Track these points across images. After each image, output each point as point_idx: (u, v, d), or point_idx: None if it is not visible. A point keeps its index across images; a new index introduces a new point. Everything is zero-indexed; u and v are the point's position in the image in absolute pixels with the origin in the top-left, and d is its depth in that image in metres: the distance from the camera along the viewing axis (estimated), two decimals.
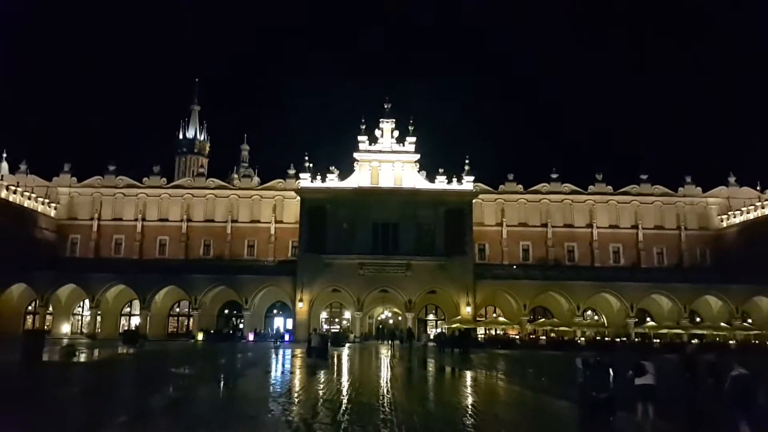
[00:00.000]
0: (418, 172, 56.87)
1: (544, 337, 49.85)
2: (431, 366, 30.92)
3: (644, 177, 64.77)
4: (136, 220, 63.76)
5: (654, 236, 63.52)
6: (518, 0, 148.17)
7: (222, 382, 21.94)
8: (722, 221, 63.83)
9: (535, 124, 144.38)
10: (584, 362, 14.25)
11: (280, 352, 38.64)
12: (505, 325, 52.23)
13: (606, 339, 48.62)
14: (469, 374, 26.25)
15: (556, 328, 50.76)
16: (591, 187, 64.82)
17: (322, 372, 24.67)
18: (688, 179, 65.20)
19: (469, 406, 15.99)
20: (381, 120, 56.43)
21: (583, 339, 48.54)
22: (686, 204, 64.52)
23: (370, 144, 56.28)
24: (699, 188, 65.15)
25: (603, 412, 12.94)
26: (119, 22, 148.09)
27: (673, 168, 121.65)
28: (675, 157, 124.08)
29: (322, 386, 19.86)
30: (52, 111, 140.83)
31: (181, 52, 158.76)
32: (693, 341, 46.32)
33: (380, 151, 56.11)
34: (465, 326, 47.88)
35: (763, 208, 58.68)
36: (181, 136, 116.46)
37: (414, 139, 56.17)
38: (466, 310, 52.70)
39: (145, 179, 65.46)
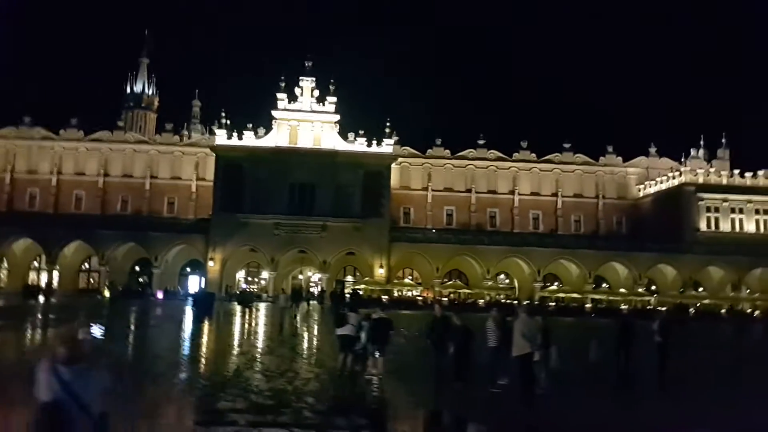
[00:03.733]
0: (339, 133, 56.30)
1: (445, 299, 50.77)
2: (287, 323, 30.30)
3: (567, 146, 65.79)
4: (51, 173, 61.65)
5: (573, 204, 64.99)
6: None
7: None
8: (639, 191, 65.67)
9: (465, 91, 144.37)
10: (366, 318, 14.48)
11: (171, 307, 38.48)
12: (412, 287, 52.99)
13: (507, 301, 49.85)
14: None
15: (460, 291, 51.80)
16: (516, 154, 65.56)
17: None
18: (610, 149, 66.56)
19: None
20: (301, 78, 55.29)
21: (482, 301, 49.64)
22: (606, 173, 66.04)
23: (289, 102, 55.24)
24: (620, 158, 66.65)
25: (356, 364, 13.31)
26: None
27: (597, 138, 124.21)
28: (599, 127, 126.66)
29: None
30: None
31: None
32: (587, 305, 48.21)
33: (299, 111, 55.20)
34: (367, 286, 48.59)
35: (674, 179, 60.44)
36: (128, 90, 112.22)
37: (334, 99, 55.37)
38: (379, 272, 53.23)
39: (61, 131, 63.05)
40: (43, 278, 54.97)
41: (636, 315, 47.70)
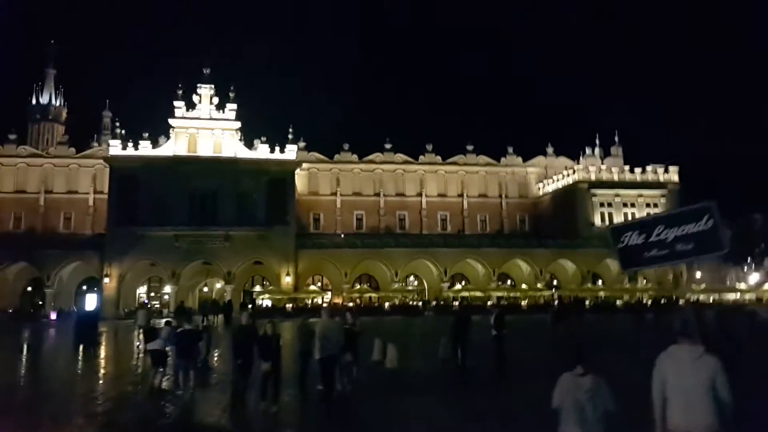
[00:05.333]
0: (242, 140, 55.58)
1: (351, 304, 51.14)
2: None
3: (470, 148, 67.83)
4: None
5: (478, 204, 67.05)
6: None
7: None
8: (539, 189, 68.57)
9: (371, 95, 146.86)
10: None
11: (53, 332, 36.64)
12: (318, 294, 53.00)
13: (411, 303, 50.92)
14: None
15: (366, 294, 52.46)
16: (422, 157, 66.94)
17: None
18: (510, 150, 69.19)
19: None
20: (199, 85, 54.23)
21: (387, 304, 50.41)
22: (508, 173, 68.58)
23: (187, 110, 54.04)
24: (520, 158, 69.37)
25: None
26: None
27: (499, 139, 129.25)
28: (500, 128, 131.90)
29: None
30: None
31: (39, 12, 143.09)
32: (490, 302, 49.75)
33: (198, 118, 54.11)
34: (272, 296, 48.23)
35: (568, 176, 63.51)
36: (34, 101, 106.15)
37: (235, 106, 54.68)
38: (286, 280, 52.91)
39: None
40: None
41: (536, 310, 50.76)
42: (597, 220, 62.40)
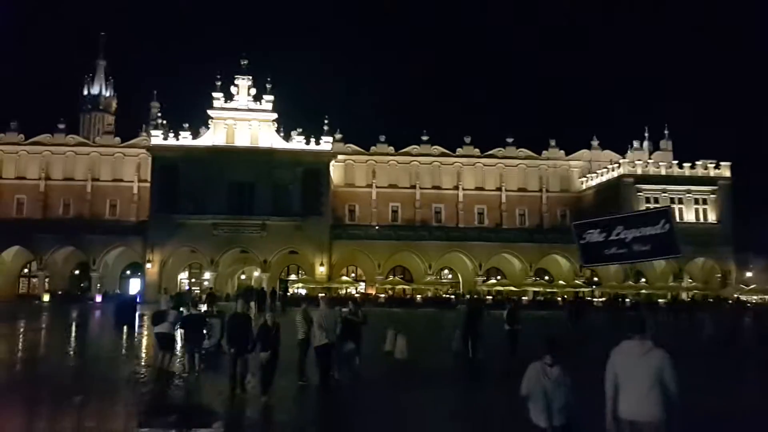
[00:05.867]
0: (278, 131, 56.18)
1: (383, 295, 51.16)
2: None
3: (510, 140, 66.34)
4: None
5: (517, 198, 65.64)
6: None
7: None
8: (582, 184, 66.57)
9: (409, 87, 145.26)
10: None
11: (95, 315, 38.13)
12: (350, 284, 53.22)
13: (444, 296, 50.47)
14: None
15: (399, 286, 52.35)
16: (459, 149, 65.94)
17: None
18: (553, 143, 67.29)
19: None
20: (236, 77, 55.06)
21: (419, 296, 50.15)
22: (549, 167, 66.75)
23: (225, 101, 54.99)
24: (562, 152, 67.39)
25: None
26: None
27: (540, 132, 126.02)
28: (542, 121, 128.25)
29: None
30: None
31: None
32: (513, 297, 48.86)
33: (236, 109, 54.96)
34: (306, 285, 48.79)
35: (612, 171, 61.38)
36: (85, 92, 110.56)
37: (271, 97, 55.22)
38: (320, 270, 53.34)
39: (1, 135, 61.97)
40: None
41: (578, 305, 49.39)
42: None
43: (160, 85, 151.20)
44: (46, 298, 51.22)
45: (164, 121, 54.44)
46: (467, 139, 65.97)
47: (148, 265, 52.11)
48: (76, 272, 56.80)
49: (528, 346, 16.63)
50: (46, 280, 53.45)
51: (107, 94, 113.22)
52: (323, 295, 20.33)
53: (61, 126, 62.84)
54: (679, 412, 5.12)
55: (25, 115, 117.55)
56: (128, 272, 57.19)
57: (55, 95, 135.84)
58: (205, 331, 14.10)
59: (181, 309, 14.46)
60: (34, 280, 56.68)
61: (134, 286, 56.47)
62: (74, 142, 62.96)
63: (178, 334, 13.98)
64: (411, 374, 13.98)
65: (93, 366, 15.73)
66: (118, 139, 64.66)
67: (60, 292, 52.99)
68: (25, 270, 56.74)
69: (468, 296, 52.62)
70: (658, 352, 5.20)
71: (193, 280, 58.14)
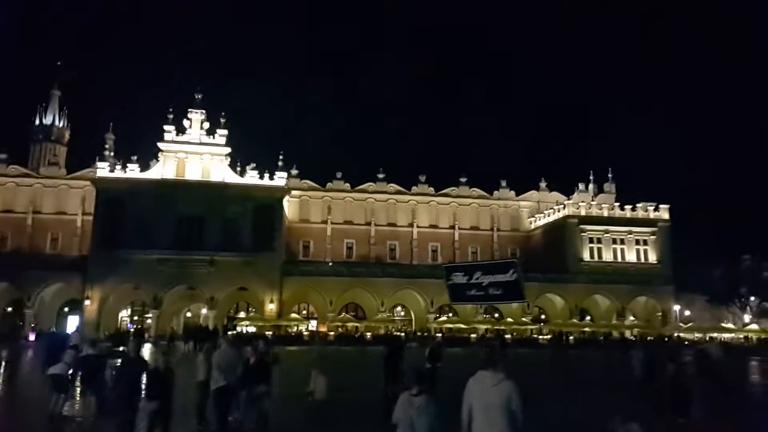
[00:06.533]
0: (231, 166, 55.63)
1: (332, 333, 50.46)
2: None
3: (463, 180, 67.85)
4: None
5: (470, 236, 66.70)
6: None
7: None
8: (531, 223, 68.32)
9: (365, 125, 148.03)
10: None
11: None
12: (299, 322, 52.29)
13: (395, 333, 50.12)
14: None
15: (350, 324, 51.79)
16: (414, 187, 66.92)
17: None
18: (503, 183, 69.22)
19: None
20: (190, 110, 54.58)
21: (369, 334, 49.67)
22: (500, 206, 68.42)
23: (177, 134, 54.27)
24: (513, 192, 69.33)
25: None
26: None
27: (492, 172, 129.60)
28: (494, 162, 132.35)
29: None
30: None
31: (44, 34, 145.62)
32: (473, 335, 49.08)
33: (188, 143, 54.29)
34: (254, 323, 47.62)
35: (559, 212, 63.31)
36: (37, 122, 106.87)
37: (225, 131, 54.91)
38: (270, 307, 52.26)
39: None
40: None
41: (522, 344, 50.03)
42: (586, 256, 61.97)
43: (114, 117, 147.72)
44: None
45: (112, 153, 53.03)
46: (422, 178, 67.09)
47: (87, 303, 49.87)
48: (9, 309, 53.68)
49: (450, 384, 16.65)
50: None
51: (60, 125, 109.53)
52: (229, 333, 19.54)
53: (2, 156, 60.39)
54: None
55: None
56: (66, 309, 54.44)
57: (6, 124, 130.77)
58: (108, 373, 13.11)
59: (80, 348, 13.54)
60: None
61: (72, 324, 53.67)
62: (16, 172, 60.58)
63: (75, 375, 13.06)
64: (324, 414, 13.62)
65: None
66: (63, 170, 62.73)
67: None
68: None
69: (420, 333, 52.91)
70: (507, 383, 5.76)
71: (135, 318, 55.94)
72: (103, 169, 52.67)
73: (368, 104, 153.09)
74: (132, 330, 52.66)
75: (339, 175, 66.03)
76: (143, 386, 9.62)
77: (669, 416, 9.68)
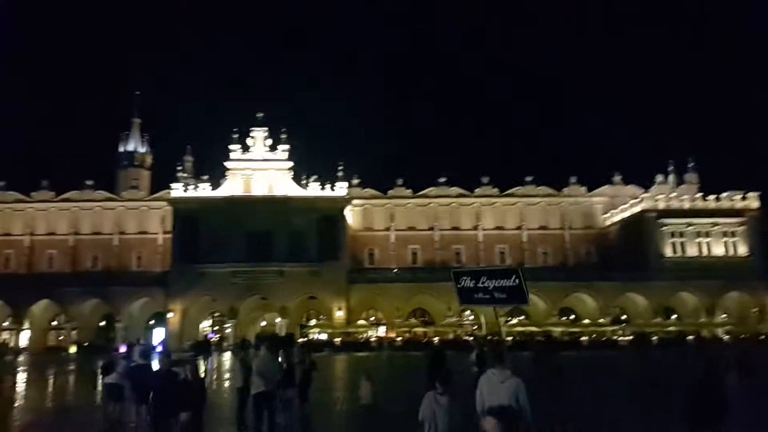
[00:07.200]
0: (294, 178, 57.29)
1: (399, 339, 50.41)
2: None
3: (529, 179, 65.98)
4: (23, 234, 63.36)
5: (539, 236, 64.69)
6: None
7: None
8: (605, 220, 65.19)
9: (425, 130, 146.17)
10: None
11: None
12: (367, 328, 52.72)
13: (464, 338, 49.46)
14: None
15: (417, 329, 51.57)
16: (477, 190, 65.87)
17: None
18: (573, 179, 66.58)
19: None
20: (252, 129, 56.81)
21: (437, 339, 49.13)
22: (571, 204, 65.86)
23: (243, 152, 56.63)
24: (584, 188, 66.53)
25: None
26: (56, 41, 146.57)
27: (560, 169, 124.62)
28: (562, 158, 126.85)
29: None
30: None
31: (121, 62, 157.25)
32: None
33: (252, 160, 56.50)
34: (322, 330, 48.61)
35: (635, 206, 60.02)
36: (121, 149, 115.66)
37: (287, 146, 56.71)
38: (338, 315, 53.14)
39: (33, 193, 65.03)
40: (23, 338, 55.89)
41: (600, 346, 47.74)
42: (668, 251, 58.26)
43: (191, 138, 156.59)
44: (73, 349, 52.37)
45: (190, 174, 56.19)
46: (485, 179, 65.91)
47: (170, 315, 52.91)
48: (102, 324, 57.95)
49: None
50: (73, 332, 54.77)
51: (142, 150, 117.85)
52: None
53: (89, 182, 65.51)
54: (530, 427, 6.18)
55: (62, 173, 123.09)
56: (152, 322, 58.04)
57: (93, 152, 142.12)
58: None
59: (134, 359, 14.32)
60: (63, 332, 58.13)
61: (158, 335, 57.18)
62: (102, 197, 65.48)
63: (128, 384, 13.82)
64: (365, 420, 13.62)
65: (57, 415, 15.94)
66: (143, 192, 67.16)
67: (86, 344, 54.10)
68: (54, 322, 58.23)
69: (490, 336, 51.81)
70: (514, 380, 6.32)
71: (215, 328, 58.67)
72: (177, 190, 55.80)
73: (425, 108, 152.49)
74: (212, 339, 55.29)
75: (400, 181, 66.30)
76: (176, 397, 9.45)
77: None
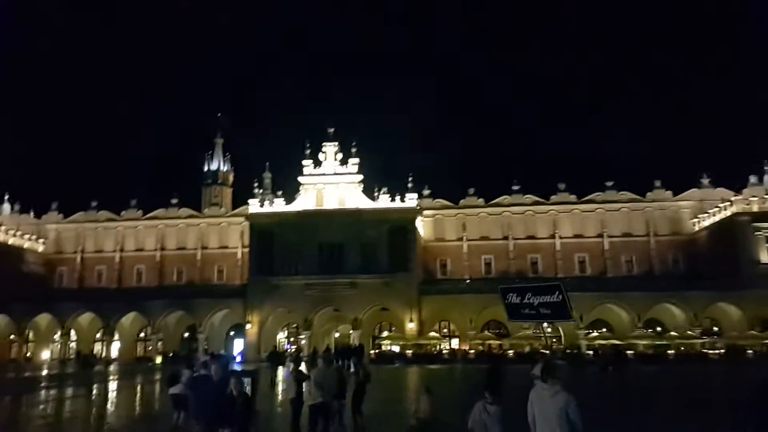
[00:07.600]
0: (365, 191, 57.78)
1: (472, 351, 49.19)
2: None
3: (609, 184, 63.06)
4: (114, 251, 67.68)
5: (622, 244, 61.48)
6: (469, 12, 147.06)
7: None
8: (694, 225, 61.04)
9: (498, 137, 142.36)
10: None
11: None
12: (438, 340, 51.88)
13: (540, 351, 47.47)
14: None
15: (491, 342, 50.19)
16: (553, 197, 63.65)
17: None
18: (658, 183, 62.98)
19: None
20: (323, 144, 57.93)
21: (512, 352, 47.58)
22: (656, 209, 62.20)
23: (315, 167, 57.82)
24: (669, 192, 62.73)
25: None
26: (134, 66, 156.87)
27: (643, 173, 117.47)
28: (644, 162, 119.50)
29: None
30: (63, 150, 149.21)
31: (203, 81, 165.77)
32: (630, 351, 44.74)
33: (324, 174, 57.54)
34: (393, 341, 48.31)
35: (725, 209, 55.79)
36: (206, 169, 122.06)
37: (357, 160, 57.36)
38: (409, 326, 52.74)
39: (123, 212, 69.40)
40: (114, 349, 59.71)
41: (688, 360, 44.53)
42: (764, 257, 53.55)
43: (269, 155, 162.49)
44: (159, 359, 55.05)
45: (264, 190, 58.08)
46: (562, 186, 63.62)
47: (248, 326, 54.55)
48: (186, 335, 60.63)
49: None
50: (159, 343, 57.67)
51: (225, 169, 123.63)
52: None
53: (174, 201, 69.09)
54: None
55: (151, 191, 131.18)
56: (232, 333, 60.09)
57: (179, 172, 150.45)
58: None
59: (196, 369, 14.57)
60: (150, 343, 61.31)
61: (237, 346, 59.12)
62: (186, 214, 68.85)
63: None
64: None
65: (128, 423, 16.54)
66: (224, 209, 70.25)
67: (171, 354, 56.74)
68: (141, 334, 61.55)
69: (569, 350, 49.67)
70: (564, 394, 6.46)
71: (291, 339, 59.86)
72: (254, 206, 57.75)
73: (497, 115, 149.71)
74: (289, 350, 56.44)
75: (471, 191, 65.22)
76: (221, 410, 9.33)
77: None
